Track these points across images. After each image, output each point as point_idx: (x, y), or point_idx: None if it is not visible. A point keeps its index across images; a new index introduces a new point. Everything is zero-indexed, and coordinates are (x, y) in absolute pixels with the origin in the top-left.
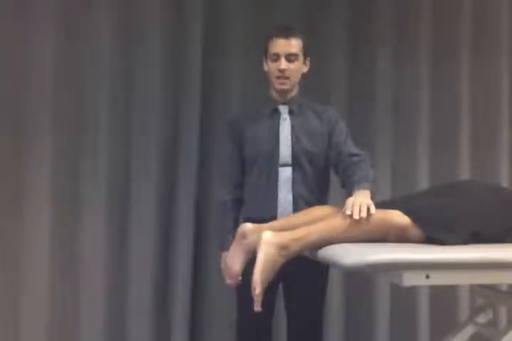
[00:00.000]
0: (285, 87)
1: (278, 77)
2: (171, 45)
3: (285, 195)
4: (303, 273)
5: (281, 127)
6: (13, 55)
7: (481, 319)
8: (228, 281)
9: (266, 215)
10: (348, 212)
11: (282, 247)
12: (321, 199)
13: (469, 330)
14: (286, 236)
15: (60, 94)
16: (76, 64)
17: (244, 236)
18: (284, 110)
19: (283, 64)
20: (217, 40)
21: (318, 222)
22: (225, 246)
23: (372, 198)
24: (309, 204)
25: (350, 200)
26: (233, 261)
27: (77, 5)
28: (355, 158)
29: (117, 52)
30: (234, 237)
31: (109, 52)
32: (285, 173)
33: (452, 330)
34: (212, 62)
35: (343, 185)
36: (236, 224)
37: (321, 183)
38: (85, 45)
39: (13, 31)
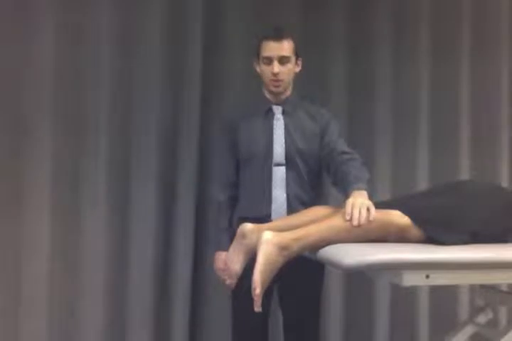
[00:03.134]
0: (279, 90)
1: (272, 80)
2: (170, 45)
3: (279, 195)
4: (298, 272)
5: (274, 127)
6: (13, 55)
7: (481, 319)
8: (228, 282)
9: (260, 214)
10: (348, 217)
11: (282, 247)
12: (315, 198)
13: (469, 330)
14: (286, 236)
15: (60, 94)
16: (76, 64)
17: (244, 236)
18: (277, 110)
19: (276, 67)
20: (217, 40)
21: (318, 222)
22: (220, 246)
23: (368, 198)
24: (303, 204)
25: (349, 202)
26: (233, 261)
27: (77, 5)
28: (346, 156)
29: (117, 52)
30: (229, 236)
31: (109, 52)
32: (279, 173)
33: (452, 330)
34: (212, 62)
35: (335, 183)
36: (231, 224)
37: (314, 183)
38: (85, 45)
39: (13, 31)
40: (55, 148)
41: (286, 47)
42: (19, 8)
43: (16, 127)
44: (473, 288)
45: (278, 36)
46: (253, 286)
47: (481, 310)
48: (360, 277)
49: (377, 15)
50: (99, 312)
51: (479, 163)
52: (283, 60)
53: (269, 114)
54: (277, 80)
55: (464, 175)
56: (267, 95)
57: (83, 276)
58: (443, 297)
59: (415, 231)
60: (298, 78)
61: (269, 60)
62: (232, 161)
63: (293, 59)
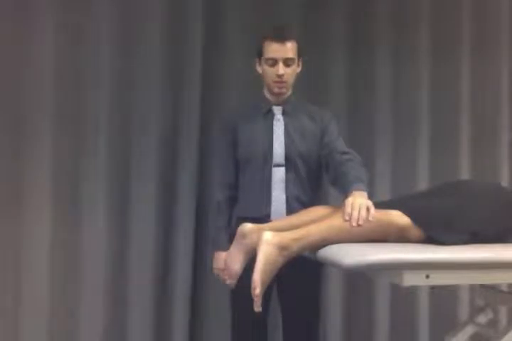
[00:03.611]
0: (283, 91)
1: (276, 82)
2: (170, 45)
3: (279, 195)
4: (298, 272)
5: (275, 128)
6: (13, 55)
7: (481, 319)
8: (228, 281)
9: (259, 215)
10: (347, 218)
11: (282, 247)
12: (314, 199)
13: (469, 330)
14: (286, 236)
15: (60, 94)
16: (76, 64)
17: (244, 236)
18: (277, 111)
19: (281, 69)
20: (217, 40)
21: (318, 222)
22: (218, 245)
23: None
24: (303, 204)
25: (349, 202)
26: (233, 261)
27: (77, 5)
28: (346, 156)
29: (117, 52)
30: (227, 236)
31: (109, 52)
32: (279, 174)
33: (452, 330)
34: (212, 62)
35: (334, 183)
36: (229, 223)
37: (314, 183)
38: (85, 45)
39: (13, 31)
40: (55, 148)
41: (290, 48)
42: (19, 8)
43: (16, 127)
44: (473, 288)
45: (282, 37)
46: (253, 286)
47: (481, 310)
48: (360, 277)
49: (377, 15)
50: (99, 312)
51: (479, 163)
52: (288, 62)
53: (269, 114)
54: (282, 82)
55: (464, 175)
56: (268, 96)
57: (83, 276)
58: (443, 297)
59: (415, 231)
60: (298, 78)
61: (273, 62)
62: (232, 161)
63: (296, 60)
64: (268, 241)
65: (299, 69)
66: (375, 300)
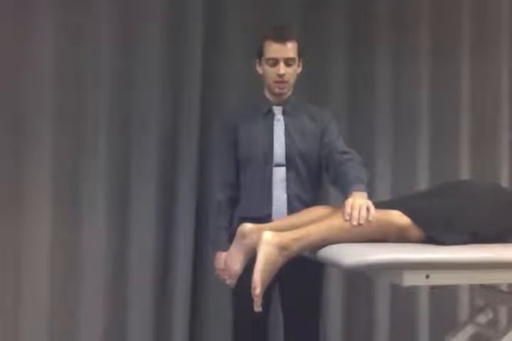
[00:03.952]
0: (284, 91)
1: (277, 82)
2: (170, 45)
3: (280, 195)
4: (298, 272)
5: (275, 128)
6: (13, 55)
7: (481, 319)
8: (228, 281)
9: (261, 215)
10: (347, 218)
11: (282, 247)
12: (315, 198)
13: (469, 330)
14: (286, 236)
15: (60, 94)
16: (76, 64)
17: (244, 236)
18: (277, 111)
19: (282, 69)
20: (217, 40)
21: (318, 222)
22: (218, 245)
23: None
24: (304, 204)
25: (349, 202)
26: (233, 261)
27: (77, 5)
28: (346, 156)
29: (117, 52)
30: (227, 236)
31: (109, 52)
32: (279, 173)
33: (452, 330)
34: (212, 62)
35: (334, 183)
36: (230, 224)
37: (315, 183)
38: (85, 45)
39: (13, 31)
40: (55, 148)
41: (291, 48)
42: (19, 8)
43: (16, 127)
44: (473, 288)
45: (283, 37)
46: (253, 286)
47: (481, 310)
48: (360, 277)
49: (377, 15)
50: (99, 312)
51: (479, 163)
52: (288, 62)
53: (270, 114)
54: (283, 82)
55: (464, 175)
56: (268, 96)
57: (83, 276)
58: (443, 297)
59: (415, 231)
60: (298, 78)
61: (274, 62)
62: (232, 161)
63: (297, 60)
64: (268, 241)
65: (299, 70)
66: (375, 300)
